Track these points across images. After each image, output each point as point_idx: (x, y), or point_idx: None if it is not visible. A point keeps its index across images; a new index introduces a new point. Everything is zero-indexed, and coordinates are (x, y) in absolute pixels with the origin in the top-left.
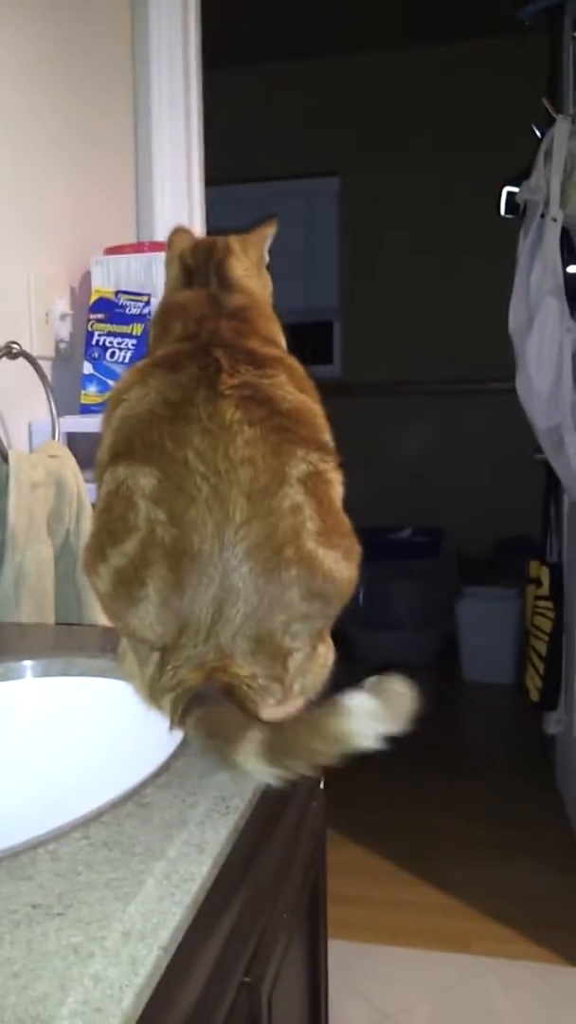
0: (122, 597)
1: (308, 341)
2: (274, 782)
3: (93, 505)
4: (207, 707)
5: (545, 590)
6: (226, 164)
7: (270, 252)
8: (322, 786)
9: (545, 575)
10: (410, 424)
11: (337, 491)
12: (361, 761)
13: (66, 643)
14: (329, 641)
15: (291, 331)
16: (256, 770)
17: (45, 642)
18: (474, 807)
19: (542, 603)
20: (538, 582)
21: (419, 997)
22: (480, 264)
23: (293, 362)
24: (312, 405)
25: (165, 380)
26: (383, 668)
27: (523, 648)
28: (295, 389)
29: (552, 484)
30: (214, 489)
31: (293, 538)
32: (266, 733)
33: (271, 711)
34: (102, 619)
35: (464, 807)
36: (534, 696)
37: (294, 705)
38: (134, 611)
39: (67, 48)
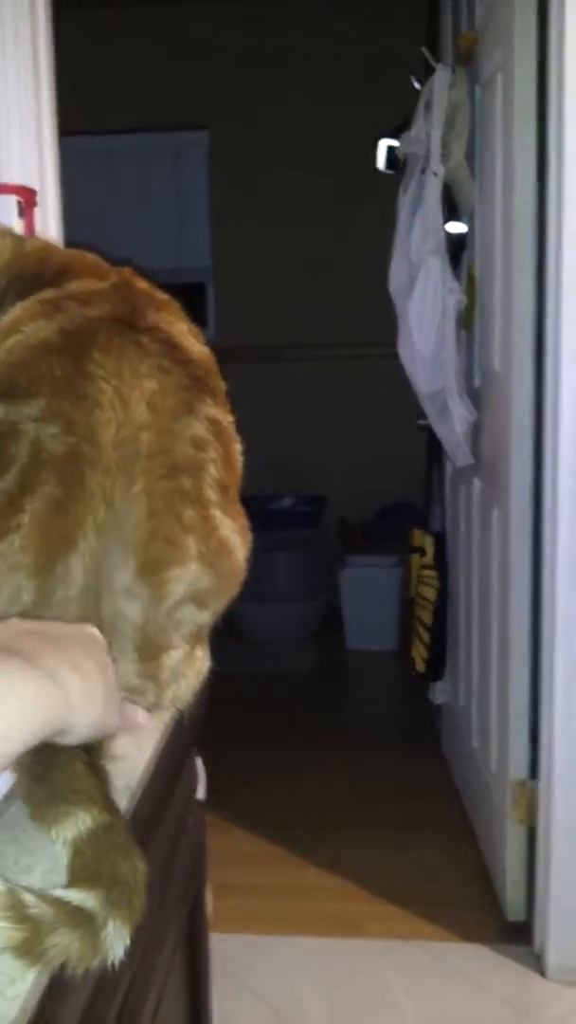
0: None
1: (180, 302)
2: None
3: None
4: None
5: (429, 559)
6: (92, 113)
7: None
8: (201, 797)
9: (429, 544)
10: (288, 390)
11: (238, 457)
12: (243, 737)
13: None
14: (207, 646)
15: (163, 291)
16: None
17: None
18: (363, 782)
19: (426, 572)
20: (421, 551)
21: (312, 988)
22: (359, 222)
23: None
24: (211, 358)
25: (72, 314)
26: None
27: (406, 617)
28: (195, 340)
29: (434, 451)
30: (116, 390)
31: (193, 471)
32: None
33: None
34: None
35: (353, 782)
36: (420, 667)
37: (161, 717)
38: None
39: None
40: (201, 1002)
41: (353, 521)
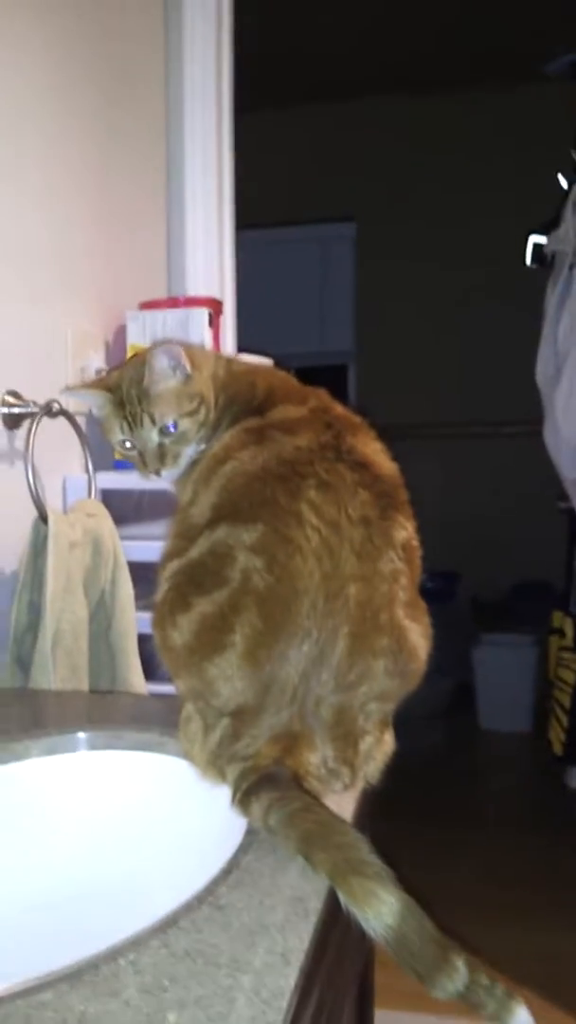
0: (204, 645)
1: (323, 384)
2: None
3: (129, 563)
4: (279, 791)
5: (569, 641)
6: (244, 209)
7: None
8: None
9: (569, 626)
10: (425, 467)
11: (419, 563)
12: (379, 816)
13: (108, 713)
14: (392, 730)
15: (306, 374)
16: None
17: (85, 712)
18: (493, 864)
19: (567, 655)
20: (561, 632)
21: None
22: (499, 308)
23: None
24: (398, 472)
25: (281, 442)
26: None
27: (542, 697)
28: (385, 457)
29: None
30: (325, 541)
31: (388, 605)
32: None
33: (334, 797)
34: (135, 682)
35: (483, 864)
36: (557, 749)
37: (355, 792)
38: (216, 660)
39: (98, 103)
40: None
41: (487, 599)
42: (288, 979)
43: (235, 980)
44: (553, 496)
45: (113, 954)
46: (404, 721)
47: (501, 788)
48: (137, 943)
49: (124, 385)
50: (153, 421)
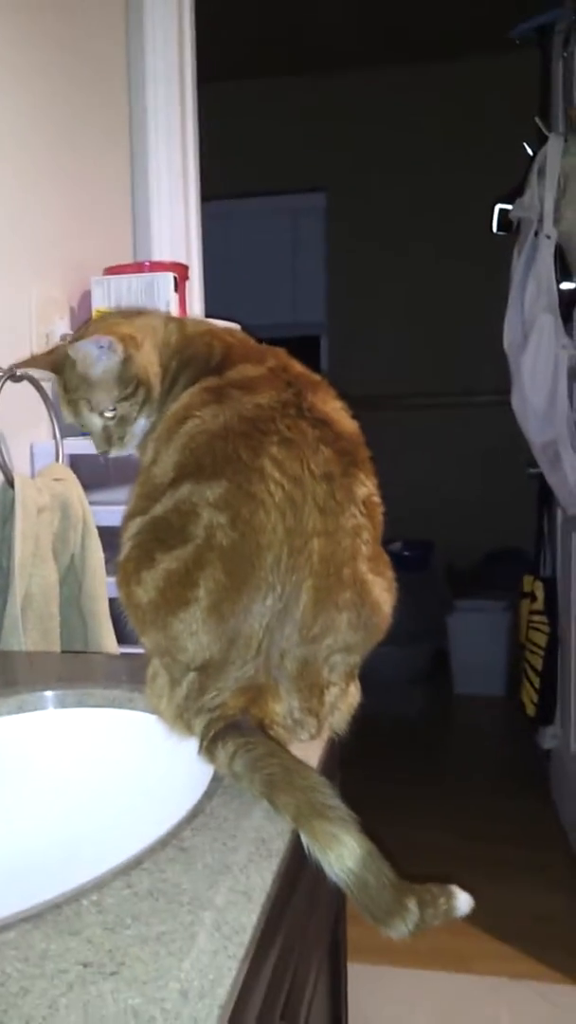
0: (169, 601)
1: (295, 355)
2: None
3: (98, 528)
4: (244, 737)
5: (540, 604)
6: (213, 179)
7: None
8: None
9: (539, 589)
10: (398, 438)
11: (381, 519)
12: (351, 777)
13: (78, 672)
14: (358, 682)
15: (277, 344)
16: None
17: (56, 671)
18: (471, 823)
19: (537, 617)
20: (532, 596)
21: (423, 1019)
22: (467, 279)
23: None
24: (359, 430)
25: (242, 401)
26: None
27: (515, 661)
28: (345, 415)
29: (545, 498)
30: (288, 497)
31: (351, 560)
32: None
33: (301, 746)
34: (108, 645)
35: (461, 823)
36: (530, 710)
37: (321, 741)
38: (180, 616)
39: (61, 68)
40: (340, 1006)
41: (460, 566)
42: (250, 915)
43: (196, 916)
44: (523, 463)
45: (76, 895)
46: (381, 686)
47: (476, 750)
48: (100, 884)
49: (67, 365)
50: (90, 407)
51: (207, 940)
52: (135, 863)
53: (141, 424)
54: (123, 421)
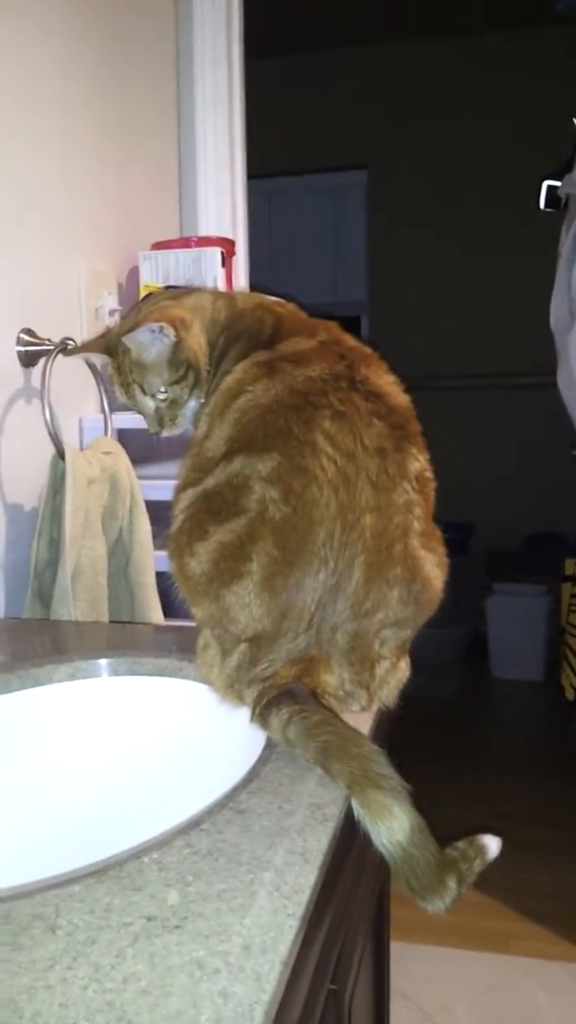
0: (223, 573)
1: None
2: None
3: (145, 502)
4: (298, 705)
5: None
6: (256, 157)
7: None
8: None
9: None
10: (438, 419)
11: (433, 494)
12: (392, 760)
13: (127, 642)
14: (408, 657)
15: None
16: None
17: (105, 641)
18: (507, 806)
19: None
20: (574, 580)
21: (460, 997)
22: (512, 258)
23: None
24: (411, 405)
25: (293, 374)
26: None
27: (554, 646)
28: (398, 389)
29: None
30: (341, 471)
31: (402, 536)
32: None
33: (351, 717)
34: (154, 617)
35: (497, 806)
36: (570, 694)
37: (371, 714)
38: (233, 588)
39: (111, 45)
40: (382, 995)
41: (500, 549)
42: (308, 877)
43: (256, 876)
44: (568, 445)
45: (137, 853)
46: (418, 668)
47: (513, 733)
48: (161, 843)
49: (120, 350)
50: (143, 391)
51: (267, 899)
52: (194, 824)
53: (191, 405)
54: (174, 403)
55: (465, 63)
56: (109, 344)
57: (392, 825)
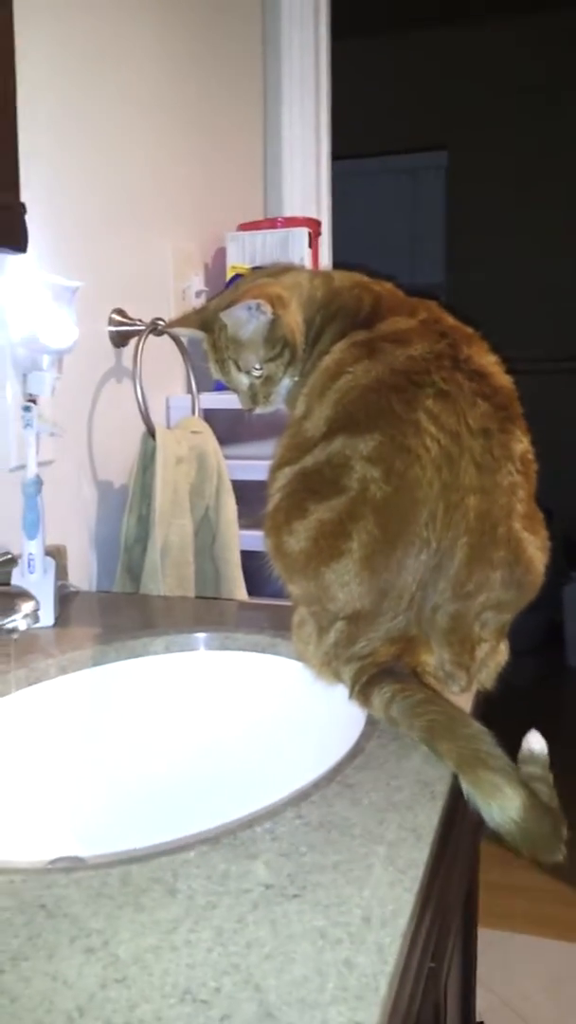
0: (322, 551)
1: None
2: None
3: (232, 482)
4: (401, 684)
5: None
6: (337, 139)
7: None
8: None
9: None
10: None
11: (535, 476)
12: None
13: (215, 617)
14: (507, 641)
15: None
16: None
17: (193, 616)
18: None
19: None
20: None
21: (538, 985)
22: None
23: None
24: (513, 385)
25: (394, 354)
26: None
27: None
28: (501, 369)
29: None
30: (444, 451)
31: (506, 518)
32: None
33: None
34: (239, 595)
35: (571, 796)
36: None
37: (470, 695)
38: (333, 566)
39: (199, 30)
40: (470, 978)
41: None
42: (421, 852)
43: (370, 849)
44: None
45: (249, 822)
46: None
47: None
48: (272, 813)
49: (216, 326)
50: (238, 367)
51: (383, 872)
52: (303, 796)
53: (285, 383)
54: (269, 381)
55: (544, 41)
56: (205, 320)
57: (504, 804)
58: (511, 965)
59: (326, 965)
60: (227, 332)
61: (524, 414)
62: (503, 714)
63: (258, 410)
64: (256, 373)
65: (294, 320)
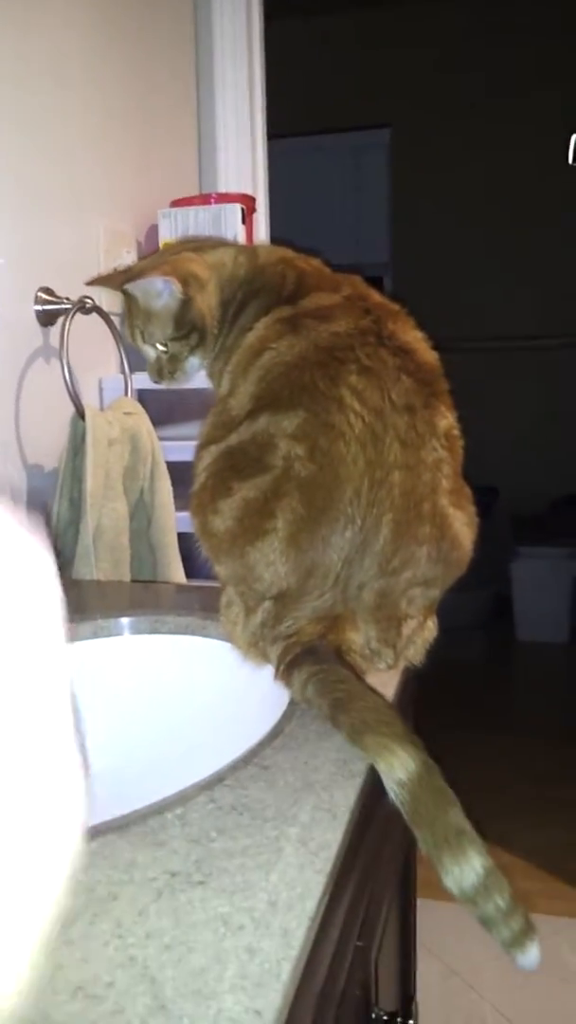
0: (247, 530)
1: None
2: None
3: (166, 463)
4: (319, 664)
5: None
6: (276, 117)
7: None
8: None
9: None
10: (461, 381)
11: (462, 451)
12: (418, 723)
13: (149, 601)
14: (435, 617)
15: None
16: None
17: (127, 600)
18: (533, 767)
19: None
20: None
21: (487, 954)
22: (536, 216)
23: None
24: (438, 361)
25: (318, 330)
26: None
27: None
28: (426, 345)
29: None
30: (369, 428)
31: (431, 494)
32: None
33: (379, 675)
34: (176, 578)
35: (523, 767)
36: None
37: (397, 672)
38: (258, 545)
39: (131, 4)
40: (408, 951)
41: (525, 512)
42: (335, 832)
43: (281, 832)
44: None
45: (160, 808)
46: (442, 632)
47: (539, 695)
48: (184, 798)
49: (134, 292)
50: (144, 338)
51: (293, 854)
52: (217, 779)
53: (193, 363)
54: (174, 359)
55: (488, 20)
56: (125, 281)
57: (392, 763)
58: (462, 935)
59: (226, 953)
60: (138, 302)
61: (462, 392)
62: (455, 688)
63: (164, 384)
64: (161, 348)
65: (206, 304)
